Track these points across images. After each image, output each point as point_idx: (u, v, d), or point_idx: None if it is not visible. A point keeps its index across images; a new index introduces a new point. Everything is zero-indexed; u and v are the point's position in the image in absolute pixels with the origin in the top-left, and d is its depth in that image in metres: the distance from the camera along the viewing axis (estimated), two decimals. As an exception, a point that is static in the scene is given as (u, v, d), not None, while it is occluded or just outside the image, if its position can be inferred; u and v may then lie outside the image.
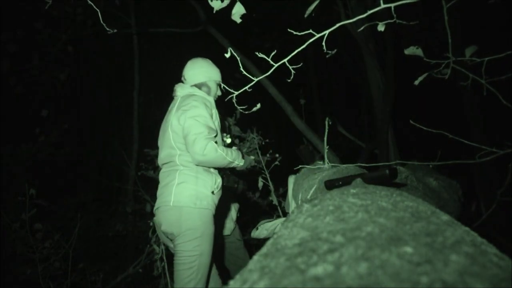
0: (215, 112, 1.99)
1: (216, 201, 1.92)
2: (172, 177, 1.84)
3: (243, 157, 2.00)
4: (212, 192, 1.87)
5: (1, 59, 4.32)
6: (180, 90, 2.02)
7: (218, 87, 2.12)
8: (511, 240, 3.16)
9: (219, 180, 1.93)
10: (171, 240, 1.87)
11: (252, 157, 2.13)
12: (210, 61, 2.13)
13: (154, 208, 1.91)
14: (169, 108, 2.06)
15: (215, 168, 1.97)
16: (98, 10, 1.55)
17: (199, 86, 2.04)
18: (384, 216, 0.54)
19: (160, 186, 1.92)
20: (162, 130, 2.01)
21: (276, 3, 5.34)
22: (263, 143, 3.04)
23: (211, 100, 2.00)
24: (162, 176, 1.93)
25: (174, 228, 1.78)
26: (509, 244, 3.06)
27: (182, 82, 2.10)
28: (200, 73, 2.05)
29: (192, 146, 1.76)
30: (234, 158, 1.90)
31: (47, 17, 4.44)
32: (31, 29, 4.49)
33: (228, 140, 2.25)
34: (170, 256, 2.79)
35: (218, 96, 2.13)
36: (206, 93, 2.03)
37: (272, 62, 1.01)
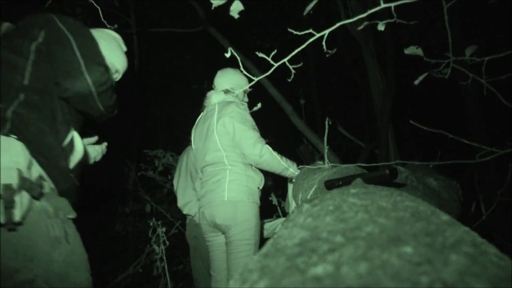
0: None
1: (259, 195, 2.12)
2: (222, 175, 2.03)
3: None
4: (258, 188, 2.08)
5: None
6: (216, 97, 2.20)
7: (245, 94, 2.30)
8: (511, 240, 3.16)
9: (263, 177, 2.13)
10: (223, 232, 2.03)
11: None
12: (238, 70, 2.30)
13: (203, 202, 2.07)
14: (204, 115, 2.25)
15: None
16: (98, 8, 1.57)
17: (225, 91, 2.21)
18: (384, 216, 0.54)
19: (208, 183, 2.08)
20: (201, 135, 2.18)
21: (276, 3, 5.34)
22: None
23: (246, 106, 2.21)
24: (209, 174, 2.09)
25: (230, 220, 1.97)
26: (509, 244, 3.06)
27: (212, 89, 2.29)
28: (228, 79, 2.24)
29: (249, 149, 1.99)
30: (289, 165, 2.06)
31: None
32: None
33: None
34: (170, 256, 2.79)
35: (246, 103, 2.30)
36: (231, 96, 2.20)
37: (272, 62, 1.00)
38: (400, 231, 0.47)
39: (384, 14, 1.10)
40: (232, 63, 2.26)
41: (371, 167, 1.72)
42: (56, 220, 1.13)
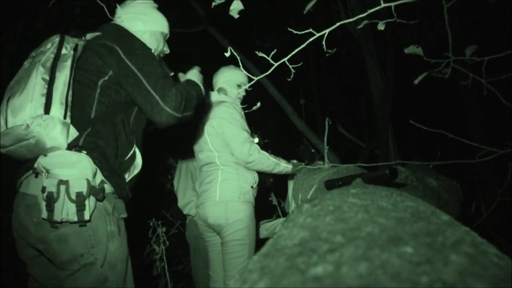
0: (242, 114, 2.19)
1: (255, 194, 2.11)
2: (215, 175, 2.05)
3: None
4: (252, 187, 2.07)
5: (1, 60, 4.32)
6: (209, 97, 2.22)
7: (240, 88, 2.28)
8: (511, 240, 3.16)
9: (256, 175, 2.12)
10: (217, 232, 2.05)
11: (296, 161, 2.20)
12: (231, 66, 2.31)
13: (198, 203, 2.11)
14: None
15: None
16: (103, 5, 1.61)
17: (218, 91, 2.25)
18: (384, 216, 0.54)
19: (203, 183, 2.10)
20: (196, 135, 2.19)
21: (276, 3, 5.33)
22: (263, 143, 3.04)
23: (238, 103, 2.23)
24: (204, 174, 2.12)
25: (221, 220, 1.98)
26: (509, 244, 3.06)
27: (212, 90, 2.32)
28: (219, 78, 2.29)
29: (237, 149, 1.99)
30: (279, 160, 2.07)
31: (46, 17, 4.43)
32: (30, 30, 4.48)
33: (256, 140, 2.37)
34: (170, 256, 2.79)
35: (243, 96, 2.31)
36: (223, 95, 2.22)
37: (272, 62, 1.01)
38: (400, 231, 0.47)
39: (384, 14, 1.10)
40: (232, 63, 2.26)
41: (371, 167, 1.72)
42: (113, 217, 1.37)
